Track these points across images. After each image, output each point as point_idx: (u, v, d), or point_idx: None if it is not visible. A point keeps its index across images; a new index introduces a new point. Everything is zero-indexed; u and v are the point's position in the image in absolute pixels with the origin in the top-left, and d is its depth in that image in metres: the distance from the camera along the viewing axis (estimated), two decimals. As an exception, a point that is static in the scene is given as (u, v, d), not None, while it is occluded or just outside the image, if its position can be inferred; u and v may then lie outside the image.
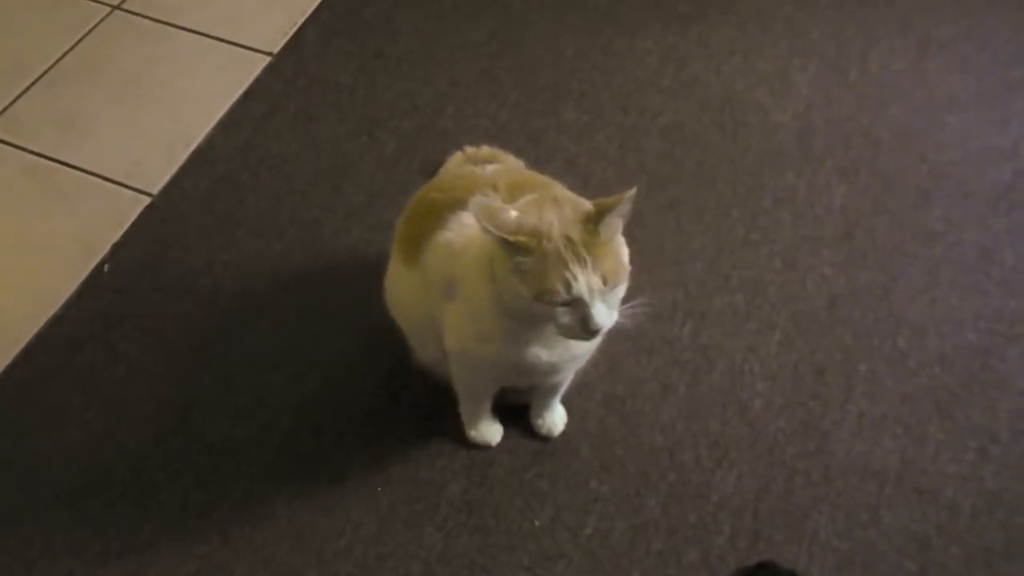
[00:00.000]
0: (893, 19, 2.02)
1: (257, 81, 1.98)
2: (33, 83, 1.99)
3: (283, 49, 2.04)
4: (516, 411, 1.47)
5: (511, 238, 1.06)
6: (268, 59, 2.02)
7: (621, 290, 1.13)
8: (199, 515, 1.41)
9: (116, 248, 1.72)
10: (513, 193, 1.24)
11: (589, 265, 1.07)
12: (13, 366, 1.58)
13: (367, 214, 1.75)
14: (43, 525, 1.41)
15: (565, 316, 1.10)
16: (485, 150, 1.63)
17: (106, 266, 1.70)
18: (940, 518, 1.37)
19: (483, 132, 1.86)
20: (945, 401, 1.48)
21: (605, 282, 1.08)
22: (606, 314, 1.10)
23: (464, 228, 1.22)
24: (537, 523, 1.39)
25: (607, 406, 1.49)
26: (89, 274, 1.69)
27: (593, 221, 1.08)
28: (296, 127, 1.90)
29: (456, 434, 1.46)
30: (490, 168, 1.35)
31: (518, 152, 1.79)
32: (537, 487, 1.42)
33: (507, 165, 1.57)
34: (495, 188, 1.25)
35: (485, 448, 1.45)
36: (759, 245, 1.68)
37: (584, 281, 1.07)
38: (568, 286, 1.07)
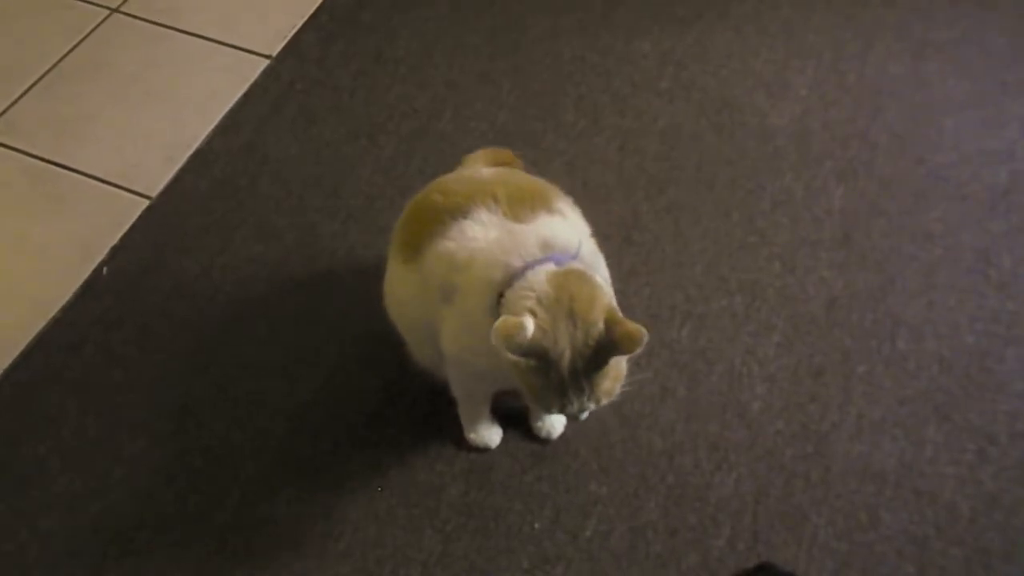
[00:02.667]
0: (890, 22, 2.03)
1: (256, 84, 1.98)
2: (32, 86, 1.99)
3: (282, 52, 2.04)
4: (515, 413, 1.47)
5: (523, 363, 1.09)
6: (267, 62, 2.02)
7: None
8: (196, 519, 1.41)
9: (115, 251, 1.72)
10: (513, 206, 1.24)
11: (587, 393, 1.12)
12: (12, 369, 1.58)
13: (365, 217, 1.75)
14: (39, 530, 1.41)
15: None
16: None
17: (105, 269, 1.70)
18: (939, 520, 1.37)
19: (481, 135, 1.86)
20: (943, 403, 1.48)
21: (598, 403, 1.14)
22: (588, 412, 1.17)
23: (466, 239, 1.22)
24: (537, 526, 1.39)
25: (606, 408, 1.49)
26: (88, 277, 1.69)
27: (603, 357, 1.10)
28: (295, 130, 1.90)
29: (455, 437, 1.46)
30: (487, 172, 1.35)
31: (515, 155, 1.79)
32: (536, 490, 1.42)
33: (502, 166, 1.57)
34: (495, 199, 1.25)
35: (484, 451, 1.45)
36: (757, 247, 1.68)
37: (578, 405, 1.13)
38: (563, 407, 1.13)
